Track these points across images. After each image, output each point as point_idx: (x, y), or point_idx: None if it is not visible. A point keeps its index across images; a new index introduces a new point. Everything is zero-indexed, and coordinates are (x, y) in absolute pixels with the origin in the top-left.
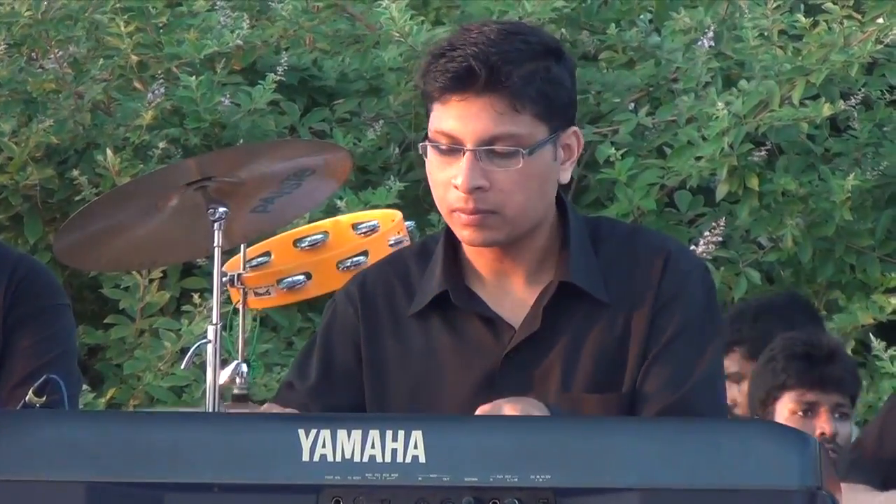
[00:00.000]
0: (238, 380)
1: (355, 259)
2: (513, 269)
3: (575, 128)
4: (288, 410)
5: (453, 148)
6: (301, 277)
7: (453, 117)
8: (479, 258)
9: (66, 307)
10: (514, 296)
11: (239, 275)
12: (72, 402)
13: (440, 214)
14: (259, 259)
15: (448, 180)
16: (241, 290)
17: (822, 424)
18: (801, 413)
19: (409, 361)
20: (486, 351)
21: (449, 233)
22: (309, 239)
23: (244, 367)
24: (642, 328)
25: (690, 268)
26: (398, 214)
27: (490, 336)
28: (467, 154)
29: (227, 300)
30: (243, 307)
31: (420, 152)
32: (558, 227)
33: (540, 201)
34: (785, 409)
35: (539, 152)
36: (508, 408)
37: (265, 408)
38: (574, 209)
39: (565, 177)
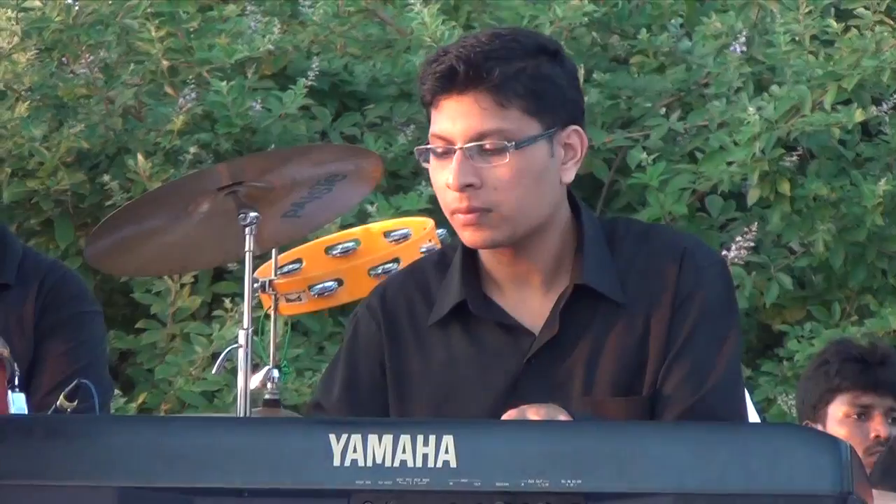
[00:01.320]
0: (269, 385)
1: (386, 266)
2: (529, 274)
3: (576, 127)
4: None
5: (448, 150)
6: (332, 284)
7: (445, 118)
8: (495, 264)
9: (97, 314)
10: (532, 302)
11: (270, 281)
12: (103, 409)
13: None
14: (290, 266)
15: (445, 182)
16: (273, 296)
17: (877, 427)
18: (855, 416)
19: (431, 373)
20: (506, 358)
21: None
22: (340, 246)
23: (275, 373)
24: (662, 330)
25: (707, 263)
26: (430, 222)
27: (510, 343)
28: (457, 152)
29: (258, 305)
30: (275, 313)
31: (418, 157)
32: (573, 229)
33: (538, 199)
34: (838, 412)
35: (529, 148)
36: (532, 412)
37: None
38: (588, 210)
39: (567, 176)
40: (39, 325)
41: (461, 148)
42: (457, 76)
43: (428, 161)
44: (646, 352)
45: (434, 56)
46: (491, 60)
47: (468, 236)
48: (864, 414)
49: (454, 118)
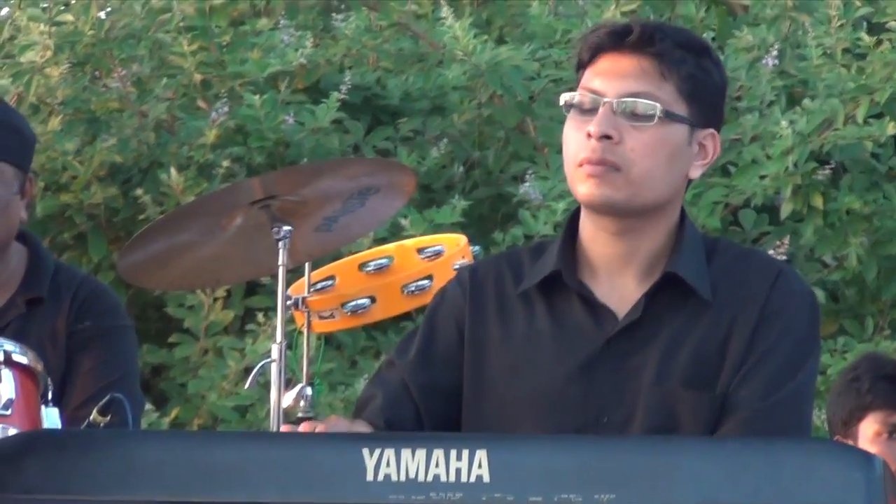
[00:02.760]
0: (302, 403)
1: (420, 283)
2: (627, 261)
3: (713, 130)
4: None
5: (594, 106)
6: (365, 301)
7: (601, 74)
8: (595, 245)
9: (129, 328)
10: (623, 290)
11: (303, 298)
12: (133, 424)
13: (504, 233)
14: (323, 283)
15: (582, 134)
16: (306, 314)
17: None
18: (886, 435)
19: (509, 342)
20: (586, 337)
21: (571, 225)
22: (374, 263)
23: (308, 391)
24: (745, 334)
25: (800, 289)
26: (463, 239)
27: (592, 323)
28: (605, 104)
29: (291, 319)
30: (308, 330)
31: (562, 105)
32: (677, 231)
33: (665, 177)
34: (869, 430)
35: (675, 125)
36: None
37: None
38: (692, 222)
39: (695, 173)
40: (72, 338)
41: (610, 101)
42: (630, 34)
43: (569, 110)
44: (725, 352)
45: (605, 22)
46: (666, 33)
47: (587, 189)
48: (895, 432)
49: (611, 74)
